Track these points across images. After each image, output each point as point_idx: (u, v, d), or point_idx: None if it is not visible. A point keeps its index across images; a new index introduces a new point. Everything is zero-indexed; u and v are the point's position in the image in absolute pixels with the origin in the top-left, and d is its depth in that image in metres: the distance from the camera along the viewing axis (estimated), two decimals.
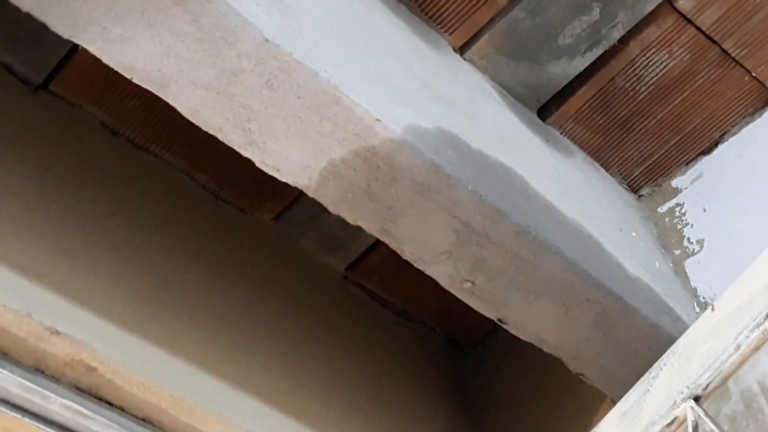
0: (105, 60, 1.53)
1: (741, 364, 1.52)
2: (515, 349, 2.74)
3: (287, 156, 1.61)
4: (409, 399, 2.53)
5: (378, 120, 1.59)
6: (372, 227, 1.75)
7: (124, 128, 2.30)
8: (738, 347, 1.50)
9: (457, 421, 2.61)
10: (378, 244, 2.65)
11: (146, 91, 1.59)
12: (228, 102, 1.53)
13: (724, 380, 1.54)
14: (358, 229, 2.59)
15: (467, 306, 2.00)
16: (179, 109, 1.55)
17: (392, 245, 1.80)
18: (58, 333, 1.72)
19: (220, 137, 1.58)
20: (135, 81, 1.53)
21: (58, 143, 2.16)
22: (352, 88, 1.58)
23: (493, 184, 1.79)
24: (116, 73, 1.57)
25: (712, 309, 1.61)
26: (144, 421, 1.81)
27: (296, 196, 2.51)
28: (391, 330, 2.75)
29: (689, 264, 2.24)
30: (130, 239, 2.08)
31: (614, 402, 1.85)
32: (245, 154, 1.61)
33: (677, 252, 2.28)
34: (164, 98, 1.54)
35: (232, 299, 2.23)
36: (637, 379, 1.74)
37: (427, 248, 1.78)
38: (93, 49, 1.52)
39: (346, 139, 1.59)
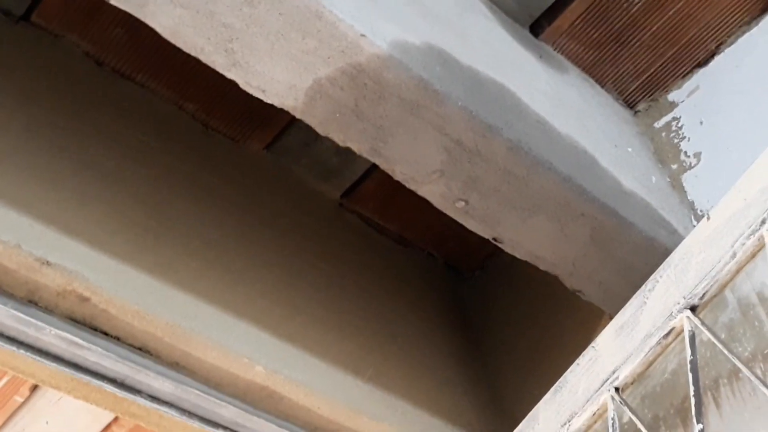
0: None
1: (737, 272, 1.50)
2: (514, 272, 2.74)
3: (272, 76, 1.57)
4: (407, 324, 2.54)
5: (363, 36, 1.56)
6: (361, 148, 1.72)
7: (109, 58, 2.26)
8: (734, 255, 1.48)
9: (456, 344, 2.62)
10: (373, 170, 2.63)
11: (130, 18, 1.55)
12: (208, 21, 1.49)
13: (721, 289, 1.52)
14: (352, 155, 2.57)
15: (465, 231, 1.98)
16: (158, 29, 1.51)
17: (383, 166, 1.77)
18: (49, 264, 1.71)
19: (203, 58, 1.55)
20: (112, 2, 1.49)
21: (43, 75, 2.13)
22: (335, 2, 1.54)
23: (483, 100, 1.75)
24: (98, 0, 1.53)
25: (708, 218, 1.59)
26: (140, 350, 1.81)
27: (287, 123, 2.48)
28: (388, 256, 2.75)
29: (686, 178, 2.22)
30: (118, 170, 2.06)
31: (612, 318, 1.84)
32: (229, 75, 1.58)
33: (674, 166, 2.26)
34: (143, 19, 1.50)
35: (226, 228, 2.22)
36: (635, 293, 1.73)
37: (419, 167, 1.76)
38: None
39: (331, 56, 1.56)
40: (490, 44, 2.01)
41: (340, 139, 1.70)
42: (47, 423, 2.95)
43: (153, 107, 2.29)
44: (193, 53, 1.56)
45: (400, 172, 1.77)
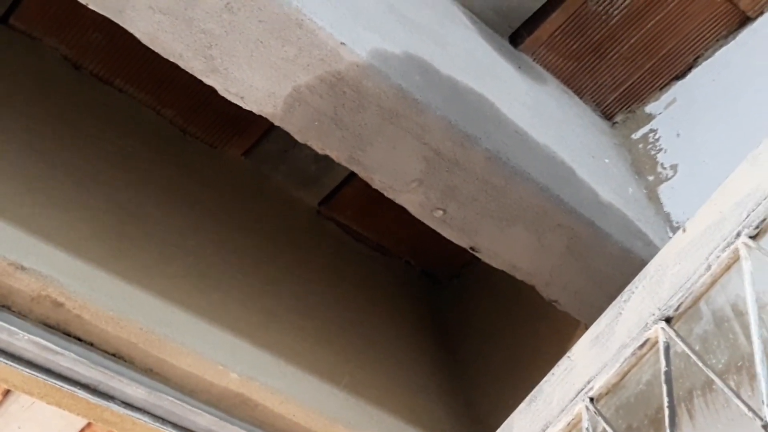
0: None
1: (712, 284, 1.50)
2: (491, 281, 2.74)
3: (251, 83, 1.57)
4: (384, 332, 2.53)
5: (343, 44, 1.56)
6: (340, 156, 1.72)
7: (88, 62, 2.25)
8: (709, 267, 1.49)
9: (432, 352, 2.62)
10: (351, 178, 2.63)
11: (109, 23, 1.54)
12: (187, 27, 1.48)
13: (695, 301, 1.53)
14: (331, 163, 2.56)
15: (442, 239, 1.98)
16: (137, 35, 1.51)
17: (361, 174, 1.77)
18: (23, 268, 1.69)
19: (181, 64, 1.54)
20: (90, 6, 1.48)
21: (20, 78, 2.11)
22: (315, 11, 1.53)
23: (463, 110, 1.76)
24: (77, 4, 1.52)
25: (684, 230, 1.59)
26: (114, 356, 1.80)
27: (265, 130, 2.47)
28: (365, 264, 2.74)
29: (663, 189, 2.23)
30: (95, 175, 2.05)
31: (588, 328, 1.85)
32: (208, 81, 1.57)
33: (651, 178, 2.27)
34: (122, 24, 1.50)
35: (203, 235, 2.21)
36: (611, 304, 1.74)
37: (397, 176, 1.76)
38: None
39: (311, 64, 1.56)
40: (469, 54, 2.01)
41: (318, 147, 1.70)
42: (19, 428, 2.93)
43: (131, 112, 2.28)
44: (171, 59, 1.55)
45: (378, 181, 1.77)
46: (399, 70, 1.65)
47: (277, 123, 1.66)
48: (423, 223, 1.92)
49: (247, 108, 1.62)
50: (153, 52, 1.58)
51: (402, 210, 1.90)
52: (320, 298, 2.41)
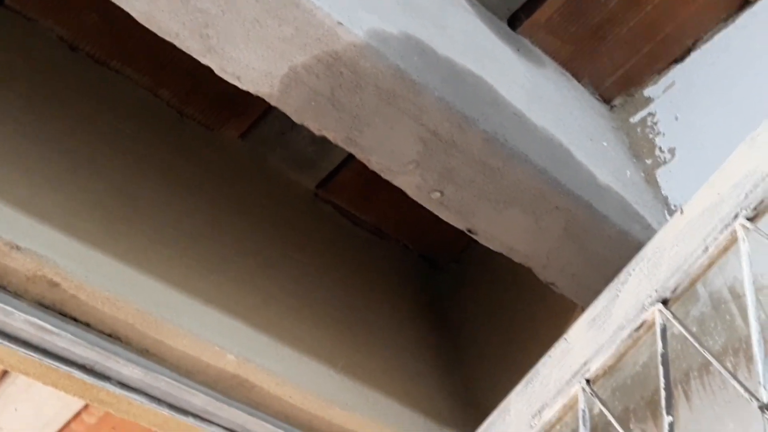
0: None
1: (709, 266, 1.50)
2: (488, 265, 2.74)
3: (247, 63, 1.56)
4: (381, 315, 2.53)
5: (340, 24, 1.55)
6: (337, 137, 1.71)
7: (84, 43, 2.24)
8: (706, 249, 1.49)
9: (429, 335, 2.62)
10: (349, 161, 2.62)
11: (105, 3, 1.53)
12: (183, 5, 1.47)
13: (693, 283, 1.53)
14: (328, 145, 2.56)
15: (441, 223, 1.98)
16: (133, 14, 1.50)
17: (358, 155, 1.76)
18: (18, 248, 1.69)
19: (177, 44, 1.53)
20: None
21: (16, 59, 2.10)
22: None
23: (460, 92, 1.75)
24: None
25: (681, 212, 1.59)
26: (110, 336, 1.79)
27: (262, 112, 2.47)
28: (363, 248, 2.74)
29: (661, 173, 2.23)
30: (91, 156, 2.04)
31: (585, 311, 1.84)
32: (204, 61, 1.56)
33: (649, 161, 2.26)
34: (117, 3, 1.48)
35: (200, 217, 2.20)
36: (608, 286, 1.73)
37: (394, 158, 1.75)
38: None
39: (308, 44, 1.55)
40: (468, 36, 2.00)
41: (315, 128, 1.69)
42: (16, 410, 2.93)
43: (127, 93, 2.27)
44: (167, 38, 1.54)
45: (375, 162, 1.77)
46: (397, 50, 1.64)
47: (273, 103, 1.65)
48: (421, 207, 1.92)
49: (244, 88, 1.61)
50: (150, 33, 1.57)
51: (400, 194, 1.89)
52: (317, 282, 2.41)
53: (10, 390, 2.90)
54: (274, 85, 1.60)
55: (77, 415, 2.95)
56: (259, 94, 1.63)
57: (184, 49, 1.55)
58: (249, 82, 1.60)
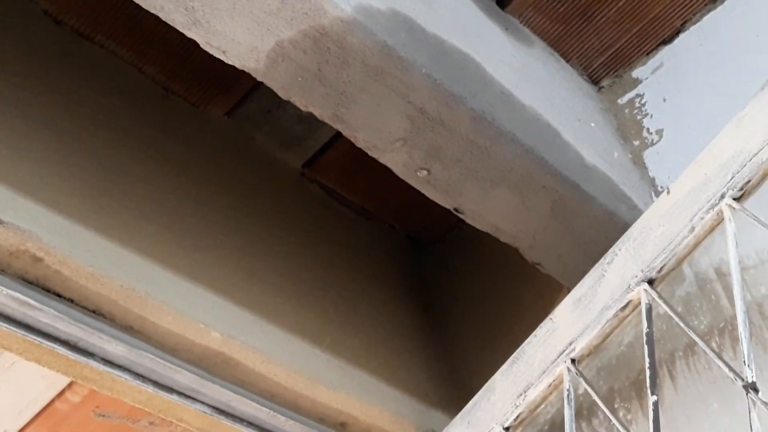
0: None
1: (695, 246, 1.50)
2: (474, 245, 2.74)
3: (233, 37, 1.54)
4: (367, 294, 2.53)
5: None
6: (324, 113, 1.70)
7: (68, 17, 2.22)
8: (692, 229, 1.49)
9: (415, 315, 2.61)
10: (335, 140, 2.61)
11: None
12: None
13: (678, 263, 1.52)
14: (315, 124, 2.55)
15: (427, 204, 1.97)
16: None
17: (345, 132, 1.75)
18: (1, 222, 1.67)
19: (162, 16, 1.51)
20: None
21: (0, 33, 2.08)
22: None
23: (448, 69, 1.74)
24: None
25: (668, 192, 1.59)
26: (94, 312, 1.78)
27: (249, 89, 2.45)
28: (349, 227, 2.73)
29: (648, 154, 2.23)
30: (75, 131, 2.02)
31: (570, 291, 1.84)
32: (189, 34, 1.54)
33: (636, 143, 2.26)
34: None
35: (185, 194, 2.19)
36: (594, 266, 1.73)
37: (381, 135, 1.74)
38: None
39: (295, 18, 1.53)
40: (456, 13, 1.99)
41: (302, 104, 1.68)
42: None
43: (112, 69, 2.25)
44: (152, 11, 1.52)
45: (362, 140, 1.76)
46: (384, 26, 1.62)
47: (259, 78, 1.63)
48: (407, 188, 1.91)
49: (230, 62, 1.59)
50: (135, 6, 1.55)
51: (387, 174, 1.88)
52: (303, 261, 2.40)
53: None
54: (260, 59, 1.59)
55: (61, 393, 2.93)
56: (245, 69, 1.62)
57: (169, 22, 1.54)
58: (235, 56, 1.58)
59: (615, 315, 1.53)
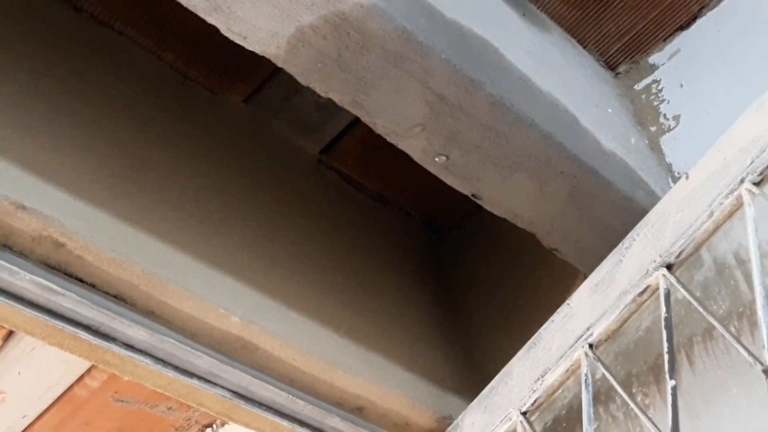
0: None
1: (714, 231, 1.50)
2: (491, 231, 2.74)
3: (254, 23, 1.55)
4: (384, 280, 2.54)
5: None
6: (343, 99, 1.70)
7: (87, 4, 2.23)
8: (711, 214, 1.49)
9: (432, 301, 2.62)
10: (352, 126, 2.62)
11: None
12: None
13: (697, 248, 1.53)
14: (332, 110, 2.55)
15: (444, 190, 1.97)
16: None
17: (364, 118, 1.76)
18: (24, 208, 1.69)
19: (183, 2, 1.52)
20: None
21: (20, 20, 2.09)
22: None
23: (467, 55, 1.74)
24: None
25: (687, 177, 1.59)
26: (116, 297, 1.79)
27: (267, 76, 2.46)
28: (366, 214, 2.74)
29: (665, 140, 2.23)
30: (96, 118, 2.03)
31: (588, 277, 1.85)
32: (210, 20, 1.55)
33: (653, 128, 2.26)
34: None
35: (203, 180, 2.20)
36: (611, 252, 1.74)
37: (400, 121, 1.75)
38: None
39: (315, 3, 1.54)
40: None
41: (321, 90, 1.69)
42: (19, 373, 2.94)
43: (131, 56, 2.26)
44: None
45: (381, 126, 1.76)
46: (404, 12, 1.63)
47: (279, 64, 1.64)
48: (424, 174, 1.92)
49: (250, 48, 1.60)
50: None
51: (404, 161, 1.89)
52: (321, 247, 2.42)
53: (13, 353, 2.91)
54: (280, 45, 1.59)
55: (80, 378, 2.96)
56: (266, 55, 1.62)
57: (190, 8, 1.55)
58: (255, 42, 1.59)
59: (633, 300, 1.53)
